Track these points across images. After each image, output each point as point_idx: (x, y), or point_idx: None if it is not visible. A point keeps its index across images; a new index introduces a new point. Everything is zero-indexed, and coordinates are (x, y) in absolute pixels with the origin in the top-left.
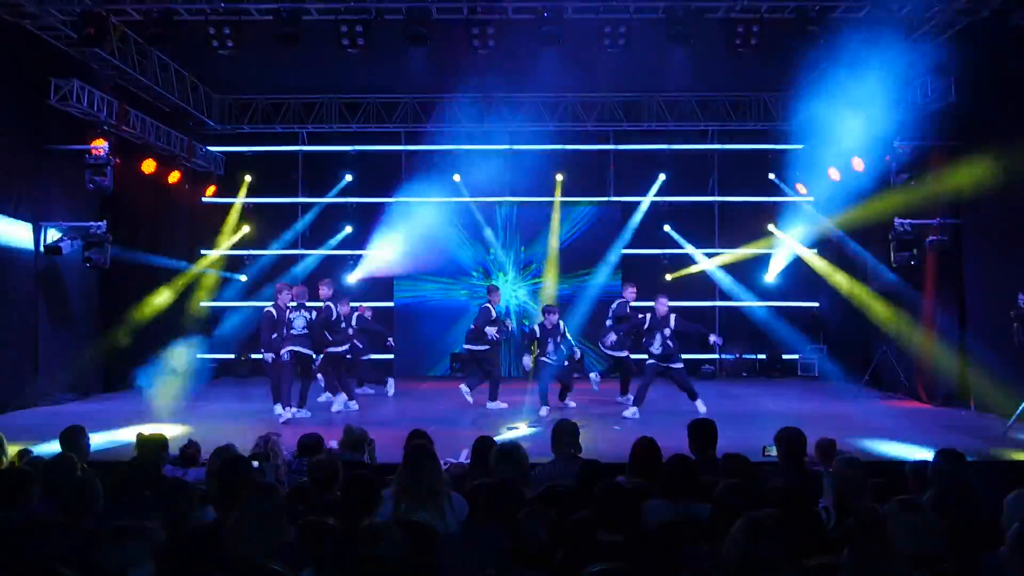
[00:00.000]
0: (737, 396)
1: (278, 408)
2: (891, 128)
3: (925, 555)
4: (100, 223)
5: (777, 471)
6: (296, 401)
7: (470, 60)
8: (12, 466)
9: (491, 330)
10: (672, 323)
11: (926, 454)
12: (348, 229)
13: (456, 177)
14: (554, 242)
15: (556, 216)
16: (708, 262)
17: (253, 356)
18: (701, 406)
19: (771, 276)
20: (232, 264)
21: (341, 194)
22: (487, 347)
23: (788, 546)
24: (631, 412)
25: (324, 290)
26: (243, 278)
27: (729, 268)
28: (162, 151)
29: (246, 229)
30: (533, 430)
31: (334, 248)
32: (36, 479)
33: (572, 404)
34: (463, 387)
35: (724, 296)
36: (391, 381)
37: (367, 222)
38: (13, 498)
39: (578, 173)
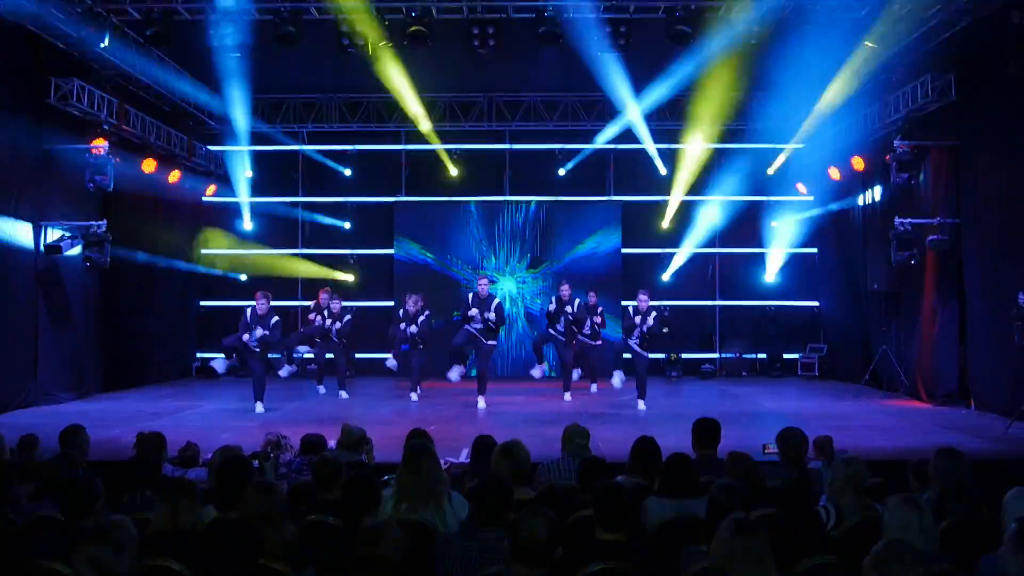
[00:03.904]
0: (737, 396)
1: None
2: (891, 128)
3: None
4: (100, 223)
5: (777, 470)
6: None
7: (471, 59)
8: None
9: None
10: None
11: (926, 454)
12: (347, 226)
13: (454, 171)
14: None
15: None
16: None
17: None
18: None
19: (770, 275)
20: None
21: (340, 193)
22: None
23: (783, 545)
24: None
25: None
26: (243, 277)
27: (728, 268)
28: (162, 151)
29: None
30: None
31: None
32: (16, 471)
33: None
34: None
35: (724, 296)
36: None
37: (367, 222)
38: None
39: (578, 172)
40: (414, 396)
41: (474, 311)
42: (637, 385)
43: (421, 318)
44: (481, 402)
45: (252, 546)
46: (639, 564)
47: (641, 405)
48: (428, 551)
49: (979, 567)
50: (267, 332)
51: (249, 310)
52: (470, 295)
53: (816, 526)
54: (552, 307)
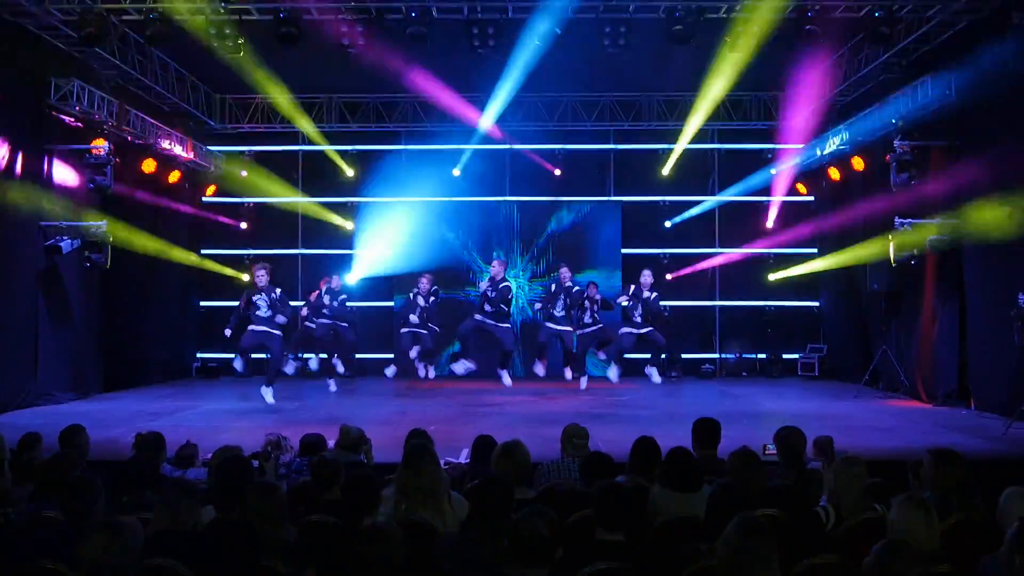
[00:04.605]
0: (737, 396)
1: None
2: (891, 127)
3: (923, 553)
4: (100, 223)
5: (777, 470)
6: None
7: (471, 59)
8: None
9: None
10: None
11: (925, 454)
12: (348, 226)
13: (456, 171)
14: None
15: None
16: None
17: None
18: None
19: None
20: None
21: (339, 194)
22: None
23: (786, 546)
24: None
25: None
26: (244, 277)
27: (728, 268)
28: (162, 151)
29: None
30: None
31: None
32: (15, 471)
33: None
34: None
35: (724, 296)
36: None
37: (366, 222)
38: None
39: (578, 172)
40: (431, 372)
41: (484, 285)
42: (612, 352)
43: (432, 298)
44: (506, 378)
45: (252, 546)
46: (639, 564)
47: (611, 373)
48: (428, 551)
49: (979, 567)
50: (278, 300)
51: (245, 298)
52: (486, 277)
53: (816, 526)
54: (554, 287)
